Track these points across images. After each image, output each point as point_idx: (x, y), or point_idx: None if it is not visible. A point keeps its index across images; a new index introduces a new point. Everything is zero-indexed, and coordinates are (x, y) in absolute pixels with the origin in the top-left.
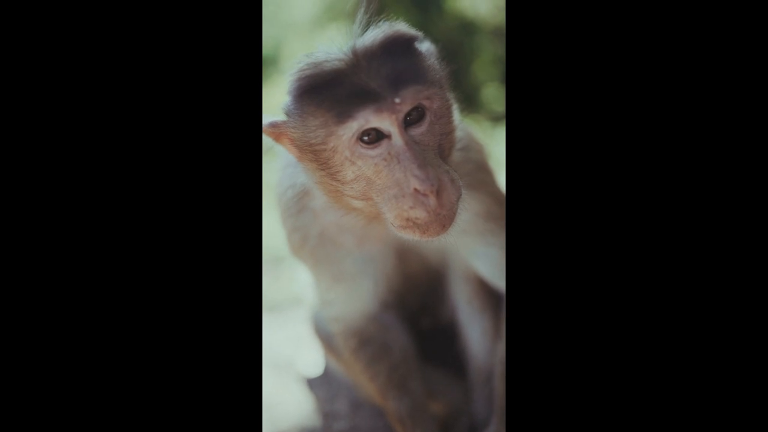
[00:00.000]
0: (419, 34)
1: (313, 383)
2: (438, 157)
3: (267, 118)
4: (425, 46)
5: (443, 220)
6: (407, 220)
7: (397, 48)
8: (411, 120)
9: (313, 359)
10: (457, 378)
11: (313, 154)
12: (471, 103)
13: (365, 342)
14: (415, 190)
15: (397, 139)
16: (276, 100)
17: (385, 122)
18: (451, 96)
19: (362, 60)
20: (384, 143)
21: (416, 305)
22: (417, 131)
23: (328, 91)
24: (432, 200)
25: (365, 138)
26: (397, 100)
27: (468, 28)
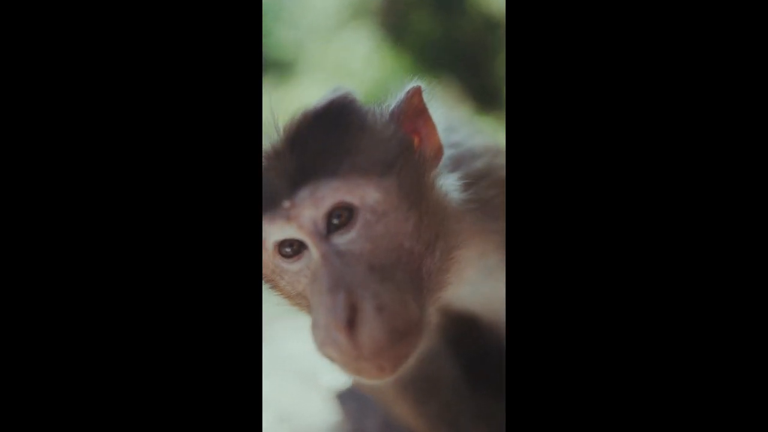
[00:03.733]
0: (348, 99)
1: (342, 397)
2: (375, 271)
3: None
4: (395, 100)
5: (376, 361)
6: (325, 357)
7: (314, 132)
8: (340, 223)
9: (334, 373)
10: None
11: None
12: (493, 100)
13: (403, 382)
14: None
15: (312, 250)
16: (293, 103)
17: (288, 231)
18: (427, 169)
19: (273, 159)
20: (305, 255)
21: (462, 330)
22: (343, 239)
23: None
24: (342, 338)
25: (286, 250)
26: (286, 204)
27: (491, 24)
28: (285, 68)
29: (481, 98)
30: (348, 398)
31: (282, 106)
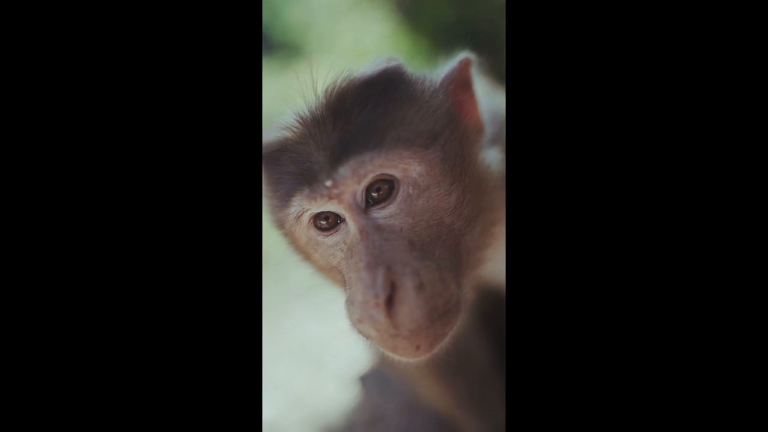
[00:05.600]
0: (400, 70)
1: (362, 379)
2: (415, 247)
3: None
4: (445, 68)
5: (413, 340)
6: (361, 333)
7: (360, 101)
8: (379, 197)
9: (349, 356)
10: None
11: (283, 237)
12: None
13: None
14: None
15: (350, 224)
16: (299, 87)
17: (329, 206)
18: (470, 143)
19: (311, 126)
20: (342, 228)
21: (493, 307)
22: (382, 213)
23: (277, 165)
24: (380, 315)
25: (322, 222)
26: (328, 183)
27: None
28: (293, 51)
29: (496, 81)
30: (368, 381)
31: (289, 90)
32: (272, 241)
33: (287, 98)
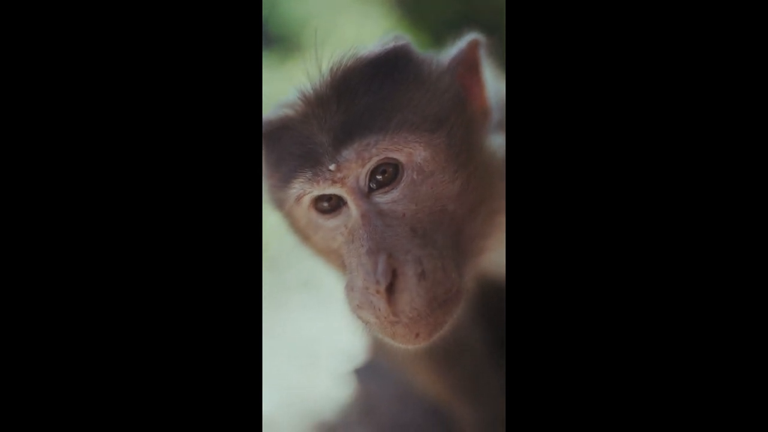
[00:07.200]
0: (407, 49)
1: (355, 373)
2: (417, 234)
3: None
4: (453, 50)
5: (413, 327)
6: (360, 319)
7: (366, 81)
8: (383, 180)
9: (346, 352)
10: None
11: (282, 217)
12: None
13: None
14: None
15: (352, 208)
16: (296, 81)
17: (331, 190)
18: (476, 128)
19: (314, 105)
20: (344, 211)
21: (493, 297)
22: (385, 198)
23: (278, 144)
24: (380, 303)
25: (323, 204)
26: (331, 167)
27: None
28: (288, 43)
29: (504, 66)
30: (363, 372)
31: (284, 85)
32: (269, 237)
33: (285, 92)
